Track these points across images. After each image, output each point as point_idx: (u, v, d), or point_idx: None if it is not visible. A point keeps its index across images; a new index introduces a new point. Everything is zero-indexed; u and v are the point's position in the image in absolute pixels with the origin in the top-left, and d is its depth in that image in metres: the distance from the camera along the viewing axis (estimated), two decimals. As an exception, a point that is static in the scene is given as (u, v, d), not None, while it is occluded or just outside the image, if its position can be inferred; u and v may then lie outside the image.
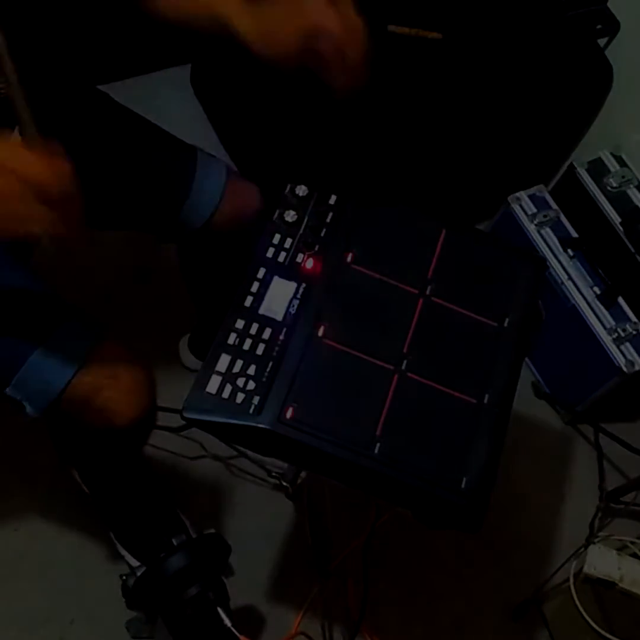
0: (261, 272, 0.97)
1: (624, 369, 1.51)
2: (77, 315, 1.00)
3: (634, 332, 1.54)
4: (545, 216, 1.64)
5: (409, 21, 1.54)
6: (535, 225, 1.64)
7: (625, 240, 1.58)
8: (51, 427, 1.19)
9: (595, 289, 1.58)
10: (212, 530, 1.28)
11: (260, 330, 0.94)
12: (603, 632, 1.27)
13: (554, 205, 1.67)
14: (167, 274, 1.55)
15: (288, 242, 1.00)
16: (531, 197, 1.67)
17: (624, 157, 1.67)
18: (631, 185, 1.64)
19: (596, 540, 1.41)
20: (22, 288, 1.01)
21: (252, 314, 0.95)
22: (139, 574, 1.22)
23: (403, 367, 0.95)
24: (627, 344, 1.53)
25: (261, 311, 0.95)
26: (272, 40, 0.87)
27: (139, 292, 1.68)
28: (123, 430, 1.00)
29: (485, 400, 0.96)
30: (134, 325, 1.55)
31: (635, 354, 1.53)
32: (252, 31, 0.87)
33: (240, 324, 0.94)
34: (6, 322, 0.96)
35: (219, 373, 0.91)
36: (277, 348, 0.93)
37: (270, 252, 0.99)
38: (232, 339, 0.93)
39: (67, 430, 1.14)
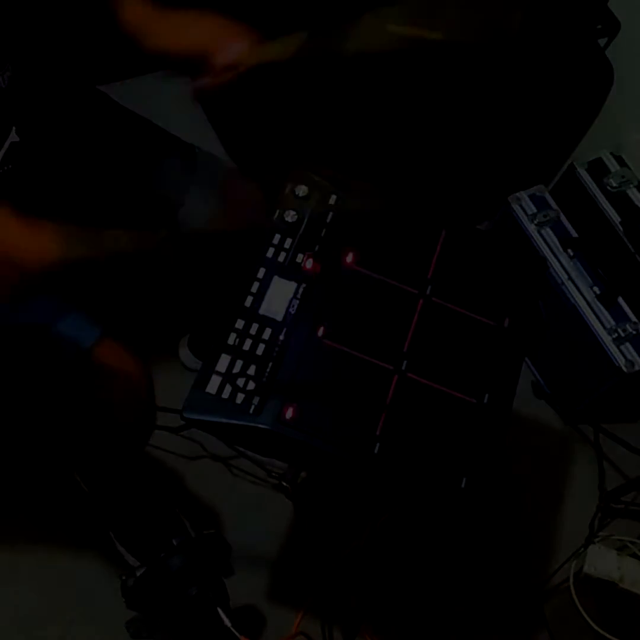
0: (261, 272, 0.97)
1: (624, 369, 1.51)
2: (76, 315, 1.00)
3: (634, 332, 1.54)
4: (545, 216, 1.64)
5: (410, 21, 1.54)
6: (535, 225, 1.64)
7: (625, 240, 1.58)
8: (53, 426, 1.19)
9: (595, 289, 1.58)
10: (212, 530, 1.28)
11: (260, 330, 0.94)
12: (603, 632, 1.27)
13: (554, 205, 1.66)
14: (167, 274, 1.55)
15: (288, 242, 1.00)
16: (531, 197, 1.67)
17: (624, 157, 1.67)
18: (631, 185, 1.64)
19: (596, 540, 1.41)
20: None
21: (252, 314, 0.95)
22: (139, 574, 1.22)
23: (403, 367, 0.95)
24: (627, 344, 1.53)
25: (261, 311, 0.95)
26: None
27: (139, 292, 1.68)
28: (123, 428, 1.01)
29: (485, 400, 0.96)
30: (134, 325, 1.55)
31: (635, 354, 1.52)
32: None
33: (240, 324, 0.94)
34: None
35: (219, 373, 0.91)
36: (277, 348, 0.93)
37: (270, 252, 0.99)
38: (232, 339, 0.93)
39: (68, 430, 1.14)
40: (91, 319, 1.01)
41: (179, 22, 0.97)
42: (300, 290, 0.97)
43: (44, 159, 1.06)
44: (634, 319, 1.56)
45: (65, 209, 1.10)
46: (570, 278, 1.59)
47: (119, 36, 1.12)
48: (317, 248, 1.00)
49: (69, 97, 1.12)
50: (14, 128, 0.97)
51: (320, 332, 0.95)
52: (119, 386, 1.01)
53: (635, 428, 1.71)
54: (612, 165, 1.66)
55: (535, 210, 1.65)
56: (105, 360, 1.00)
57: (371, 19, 0.94)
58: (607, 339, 1.54)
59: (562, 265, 1.61)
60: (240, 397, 0.90)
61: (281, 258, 0.99)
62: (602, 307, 1.56)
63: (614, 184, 1.63)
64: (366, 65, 0.94)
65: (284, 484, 1.32)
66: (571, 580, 1.32)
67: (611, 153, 1.67)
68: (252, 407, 0.89)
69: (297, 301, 0.96)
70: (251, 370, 0.91)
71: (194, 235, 1.18)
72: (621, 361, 1.52)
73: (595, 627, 1.28)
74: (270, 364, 0.92)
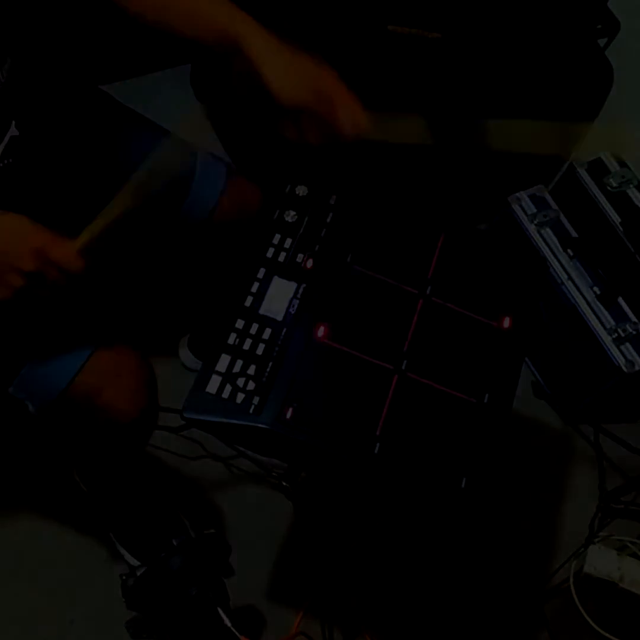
0: (261, 272, 0.97)
1: (624, 369, 1.51)
2: (80, 317, 1.00)
3: (634, 332, 1.54)
4: (545, 216, 1.64)
5: (409, 21, 1.54)
6: (535, 225, 1.64)
7: (625, 240, 1.58)
8: (52, 426, 1.19)
9: (595, 289, 1.58)
10: (212, 530, 1.28)
11: (260, 330, 0.94)
12: (603, 632, 1.27)
13: (554, 205, 1.67)
14: (167, 274, 1.55)
15: (288, 242, 1.00)
16: (531, 197, 1.67)
17: (624, 157, 1.67)
18: (631, 185, 1.64)
19: (596, 540, 1.41)
20: None
21: (252, 314, 0.95)
22: (139, 574, 1.22)
23: (403, 367, 0.95)
24: (627, 344, 1.53)
25: (261, 311, 0.95)
26: (287, 85, 0.92)
27: (139, 292, 1.68)
28: (124, 428, 1.01)
29: (485, 400, 0.96)
30: (134, 325, 1.55)
31: (635, 354, 1.53)
32: (273, 71, 0.92)
33: (240, 324, 0.94)
34: (9, 325, 0.97)
35: (219, 373, 0.91)
36: (277, 348, 0.93)
37: (270, 252, 0.99)
38: (232, 339, 0.93)
39: (68, 429, 1.14)
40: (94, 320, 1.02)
41: (302, 66, 0.93)
42: (300, 290, 0.97)
43: (44, 153, 1.06)
44: (634, 319, 1.56)
45: (65, 202, 1.10)
46: (570, 278, 1.59)
47: (119, 35, 1.12)
48: (317, 248, 1.00)
49: (69, 91, 1.13)
50: (13, 122, 0.97)
51: (320, 332, 0.95)
52: (120, 386, 1.01)
53: (635, 428, 1.71)
54: (612, 165, 1.66)
55: (535, 210, 1.65)
56: (109, 361, 1.00)
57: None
58: (607, 339, 1.54)
59: (562, 265, 1.61)
60: (240, 397, 0.90)
61: (281, 258, 0.99)
62: (602, 307, 1.56)
63: (614, 184, 1.63)
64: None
65: (284, 484, 1.32)
66: (571, 580, 1.32)
67: (611, 153, 1.67)
68: (252, 407, 0.89)
69: (297, 301, 0.96)
70: (251, 370, 0.91)
71: (195, 232, 1.18)
72: (621, 361, 1.52)
73: (596, 627, 1.28)
74: (270, 364, 0.92)
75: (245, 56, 0.91)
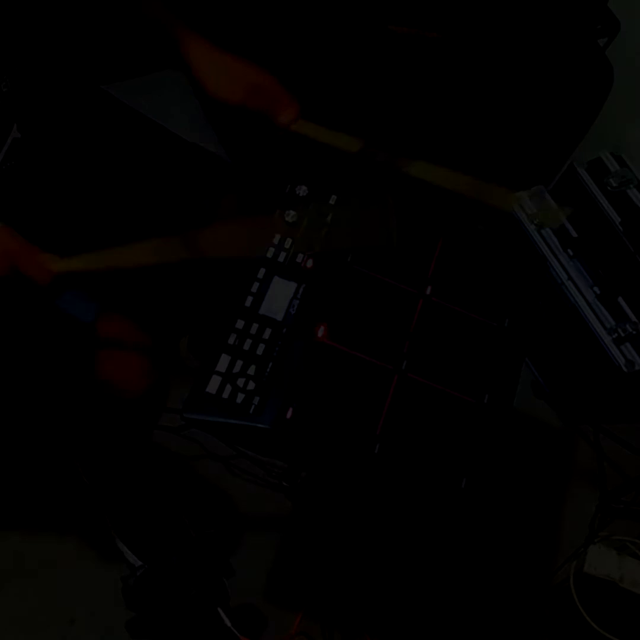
0: (261, 272, 0.97)
1: (624, 369, 1.51)
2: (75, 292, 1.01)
3: (634, 332, 1.53)
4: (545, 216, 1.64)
5: (409, 21, 1.54)
6: (535, 225, 1.64)
7: (625, 240, 1.58)
8: (60, 415, 1.19)
9: (595, 289, 1.58)
10: (212, 530, 1.28)
11: (260, 330, 0.94)
12: (603, 632, 1.27)
13: (554, 205, 1.66)
14: (167, 274, 1.54)
15: (288, 242, 1.00)
16: (531, 197, 1.67)
17: (624, 157, 1.67)
18: (631, 185, 1.64)
19: (596, 540, 1.41)
20: None
21: (252, 314, 0.95)
22: (139, 574, 1.22)
23: (403, 367, 0.95)
24: (627, 344, 1.53)
25: (261, 311, 0.95)
26: (220, 84, 1.05)
27: (139, 291, 1.68)
28: (129, 404, 1.02)
29: (485, 400, 0.96)
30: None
31: (635, 354, 1.52)
32: (207, 73, 1.04)
33: (240, 324, 0.94)
34: None
35: (219, 373, 0.91)
36: (277, 348, 0.93)
37: (270, 252, 0.99)
38: (232, 339, 0.93)
39: (72, 409, 1.14)
40: (89, 295, 1.02)
41: (240, 71, 1.06)
42: (300, 290, 0.97)
43: (46, 156, 1.06)
44: (634, 319, 1.56)
45: (67, 206, 1.10)
46: (570, 278, 1.59)
47: (120, 36, 1.13)
48: (317, 248, 1.00)
49: (71, 94, 1.13)
50: (15, 125, 0.97)
51: (321, 332, 0.95)
52: (124, 359, 1.02)
53: (635, 428, 1.72)
54: (612, 165, 1.66)
55: (535, 211, 1.65)
56: (109, 333, 1.01)
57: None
58: (607, 339, 1.54)
59: (562, 265, 1.61)
60: (240, 397, 0.90)
61: (281, 258, 0.99)
62: (602, 307, 1.56)
63: (614, 184, 1.63)
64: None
65: (284, 484, 1.32)
66: (571, 580, 1.32)
67: (611, 153, 1.67)
68: (252, 407, 0.89)
69: (297, 301, 0.96)
70: (251, 370, 0.91)
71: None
72: (621, 361, 1.52)
73: (596, 627, 1.28)
74: (270, 364, 0.92)
75: (184, 60, 1.04)
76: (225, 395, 0.90)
